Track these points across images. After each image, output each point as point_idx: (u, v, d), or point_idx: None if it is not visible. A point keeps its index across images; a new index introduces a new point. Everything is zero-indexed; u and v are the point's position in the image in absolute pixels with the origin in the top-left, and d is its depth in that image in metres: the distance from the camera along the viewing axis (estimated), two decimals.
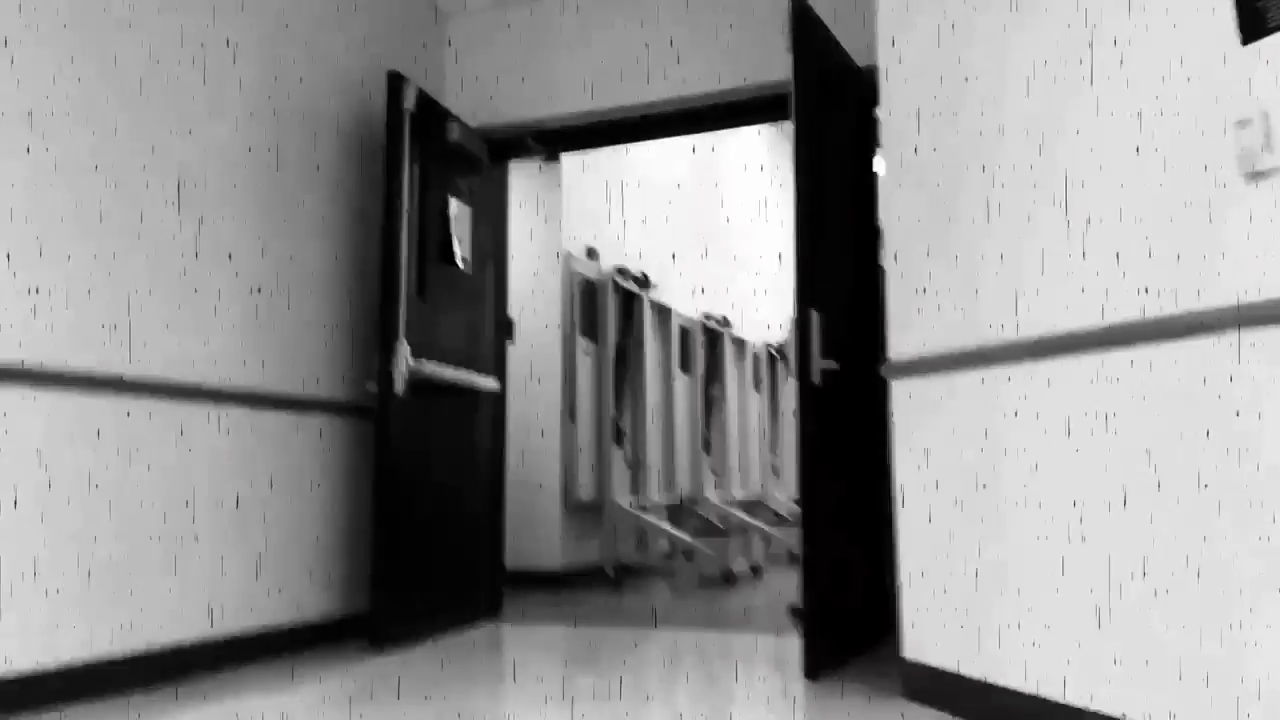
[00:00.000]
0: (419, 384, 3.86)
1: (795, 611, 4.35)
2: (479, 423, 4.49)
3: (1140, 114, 2.20)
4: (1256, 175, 1.94)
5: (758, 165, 9.93)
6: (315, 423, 3.85)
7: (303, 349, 3.82)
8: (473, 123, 4.48)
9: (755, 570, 6.65)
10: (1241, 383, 1.94)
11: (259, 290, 3.62)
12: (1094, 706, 2.22)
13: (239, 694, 2.99)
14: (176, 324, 3.26)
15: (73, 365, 2.88)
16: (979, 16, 2.71)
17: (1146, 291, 2.16)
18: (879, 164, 3.55)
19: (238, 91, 3.57)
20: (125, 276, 3.09)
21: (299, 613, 3.72)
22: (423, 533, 3.96)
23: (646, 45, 4.37)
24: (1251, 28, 1.99)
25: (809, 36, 3.38)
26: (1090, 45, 2.35)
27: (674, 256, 7.79)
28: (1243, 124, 1.97)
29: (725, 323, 8.29)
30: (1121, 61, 2.26)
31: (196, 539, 3.29)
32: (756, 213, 9.75)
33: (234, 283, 3.51)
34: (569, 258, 6.12)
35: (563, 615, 4.79)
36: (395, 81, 3.94)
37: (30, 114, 2.81)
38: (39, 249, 2.82)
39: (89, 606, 2.90)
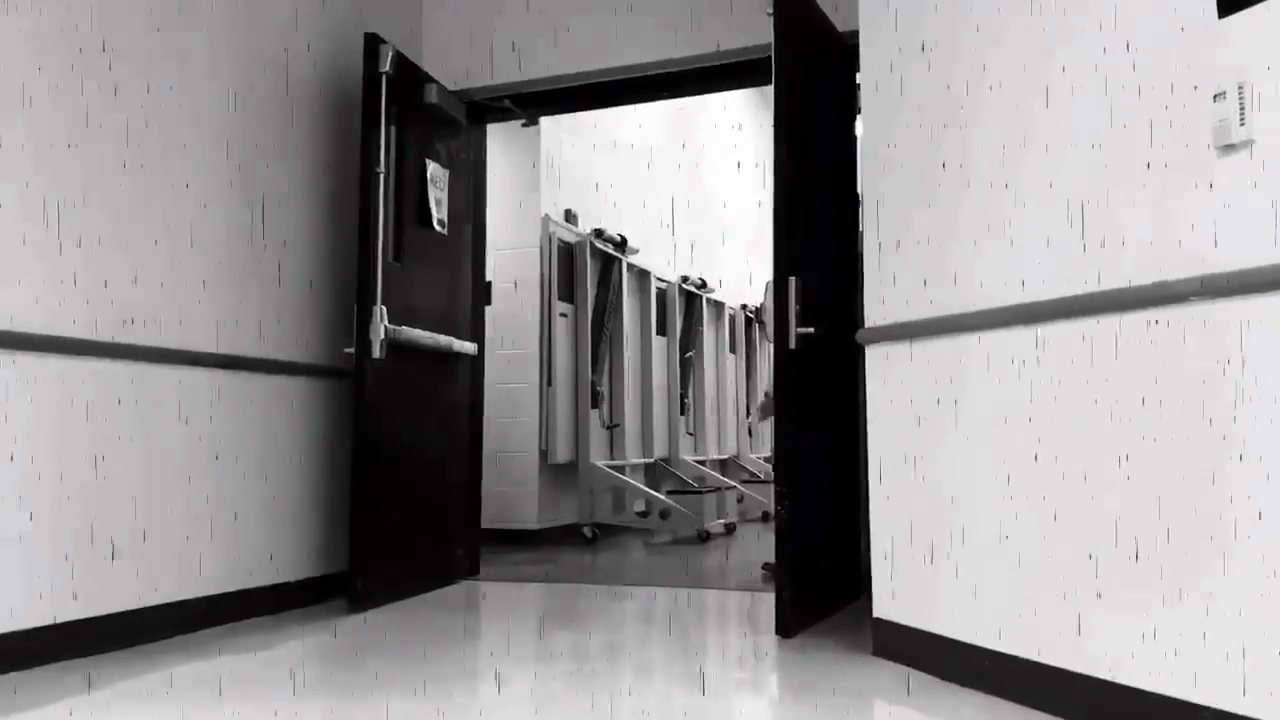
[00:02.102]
0: (396, 347, 3.86)
1: (769, 568, 4.41)
2: (457, 385, 4.50)
3: (1121, 86, 2.23)
4: (1229, 148, 1.97)
5: (738, 126, 9.89)
6: (293, 386, 3.85)
7: (280, 313, 3.80)
8: (451, 85, 4.43)
9: (730, 528, 6.73)
10: (1208, 354, 1.99)
11: (235, 254, 3.60)
12: (1022, 654, 2.29)
13: (220, 652, 3.02)
14: (151, 287, 3.23)
15: (50, 330, 2.86)
16: None
17: (1116, 259, 2.20)
18: (859, 130, 3.56)
19: (214, 51, 3.52)
20: (99, 239, 3.05)
21: (279, 573, 3.74)
22: (401, 493, 3.98)
23: (627, 8, 4.33)
24: (1229, 1, 2.01)
25: (790, 2, 3.36)
26: (1065, 12, 2.36)
27: (653, 218, 7.78)
28: (1218, 97, 2.00)
29: (703, 285, 8.30)
30: (1101, 26, 2.28)
31: (174, 500, 3.29)
32: (736, 173, 9.73)
33: (210, 246, 3.48)
34: (547, 220, 6.10)
35: (540, 573, 4.85)
36: (372, 43, 3.89)
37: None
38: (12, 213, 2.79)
39: (67, 568, 2.90)
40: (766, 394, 5.35)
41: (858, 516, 3.74)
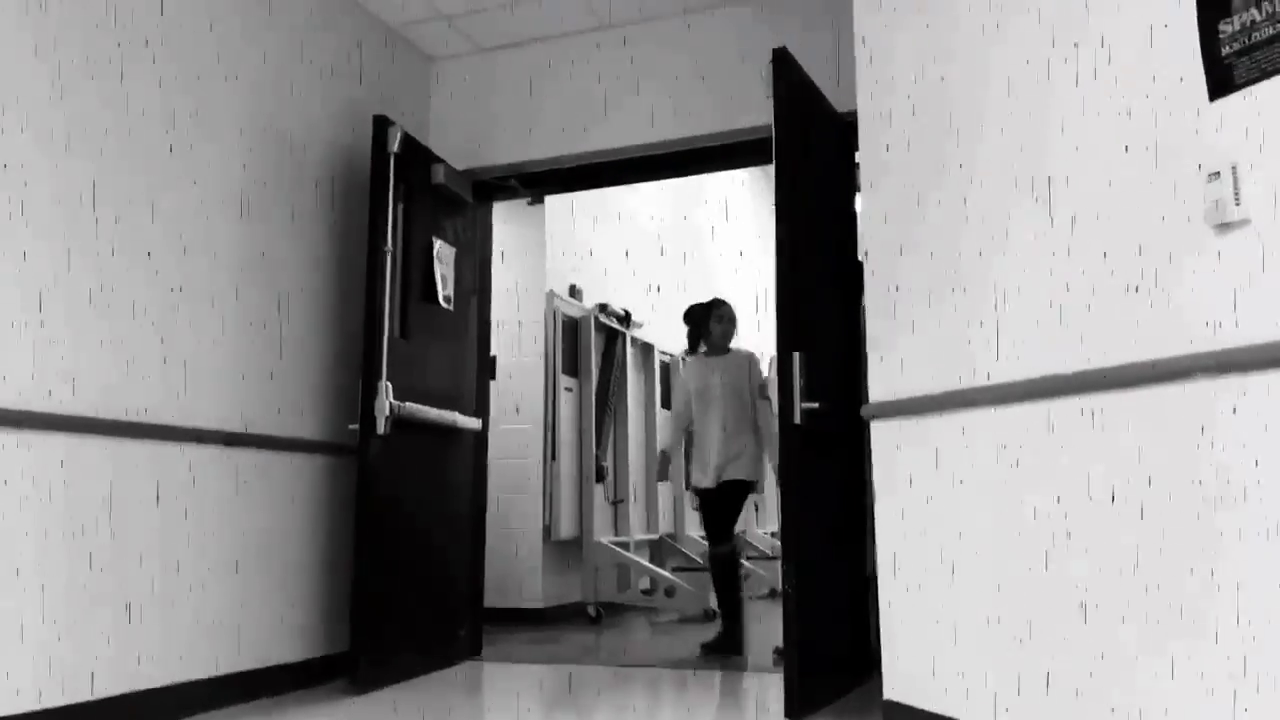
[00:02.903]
0: (401, 422, 3.86)
1: (779, 652, 4.33)
2: (460, 461, 4.49)
3: (1110, 168, 2.26)
4: (1224, 227, 1.99)
5: (741, 202, 10.02)
6: (296, 462, 3.84)
7: (284, 389, 3.81)
8: (458, 164, 4.52)
9: None
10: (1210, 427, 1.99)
11: (241, 330, 3.62)
12: None
13: None
14: (157, 364, 3.25)
15: (52, 406, 2.87)
16: (953, 68, 2.78)
17: (1117, 336, 2.20)
18: (859, 208, 3.61)
19: (225, 130, 3.60)
20: (108, 317, 3.08)
21: (280, 654, 3.68)
22: (404, 573, 3.94)
23: (631, 90, 4.43)
24: (1219, 85, 2.05)
25: (789, 82, 3.44)
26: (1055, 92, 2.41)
27: (657, 293, 7.83)
28: (1212, 177, 2.03)
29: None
30: (1094, 110, 2.32)
31: (175, 580, 3.26)
32: (740, 249, 9.82)
33: (216, 322, 3.51)
34: (552, 295, 6.15)
35: (543, 654, 4.76)
36: (380, 125, 3.98)
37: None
38: (19, 287, 2.82)
39: (68, 650, 2.86)
40: (663, 452, 5.38)
41: (866, 594, 3.69)
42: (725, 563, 4.84)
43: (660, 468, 5.40)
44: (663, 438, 7.42)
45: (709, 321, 5.00)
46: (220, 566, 3.45)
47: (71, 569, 2.90)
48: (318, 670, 3.83)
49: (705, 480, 4.84)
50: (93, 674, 2.94)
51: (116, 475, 3.06)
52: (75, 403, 2.93)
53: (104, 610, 2.99)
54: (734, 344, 5.08)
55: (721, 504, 4.84)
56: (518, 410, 5.95)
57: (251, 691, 3.50)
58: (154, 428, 3.19)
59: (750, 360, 5.01)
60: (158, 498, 3.20)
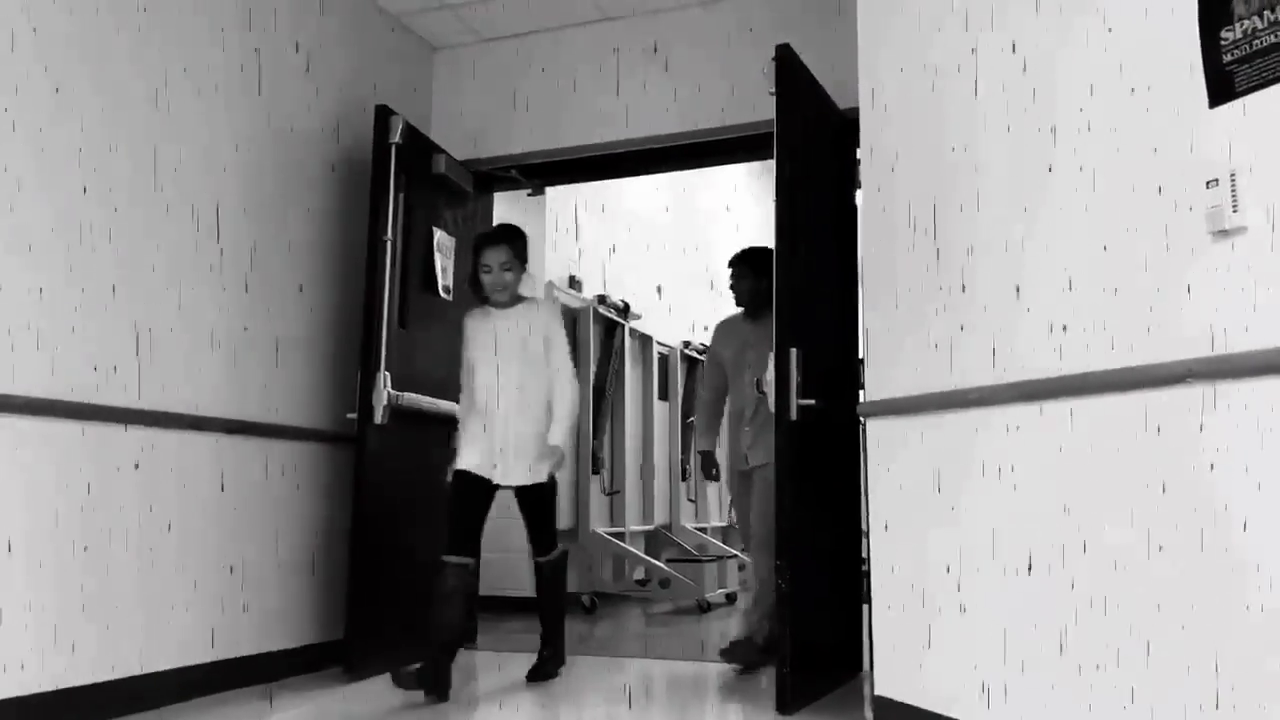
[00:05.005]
0: (399, 412, 3.87)
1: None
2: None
3: (1109, 172, 2.27)
4: (1222, 234, 2.00)
5: (741, 194, 10.01)
6: (294, 451, 3.85)
7: (283, 377, 3.82)
8: (460, 155, 4.52)
9: (731, 598, 6.66)
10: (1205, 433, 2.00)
11: (239, 317, 3.63)
12: None
13: None
14: (157, 351, 3.26)
15: (51, 394, 2.88)
16: (953, 77, 2.78)
17: (1114, 340, 2.22)
18: (859, 203, 3.61)
19: (226, 119, 3.59)
20: (108, 306, 3.09)
21: (276, 640, 3.70)
22: (399, 560, 3.96)
23: (631, 82, 4.43)
24: (1219, 92, 2.06)
25: (792, 79, 3.44)
26: (1054, 105, 2.42)
27: (656, 285, 7.84)
28: (1210, 184, 2.04)
29: (705, 351, 8.33)
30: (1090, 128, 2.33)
31: (172, 566, 3.27)
32: (739, 241, 9.81)
33: (213, 310, 3.51)
34: (551, 286, 6.15)
35: (537, 643, 4.78)
36: (382, 115, 3.98)
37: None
38: (19, 277, 2.83)
39: (65, 635, 2.88)
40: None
41: (859, 589, 3.71)
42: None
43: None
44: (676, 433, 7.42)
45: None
46: (217, 553, 3.46)
47: (70, 556, 2.91)
48: (314, 656, 3.85)
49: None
50: (91, 659, 2.95)
51: (112, 463, 3.07)
52: (66, 389, 2.94)
53: (104, 596, 3.00)
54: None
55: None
56: None
57: (248, 677, 3.52)
58: (153, 415, 3.20)
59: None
60: (150, 485, 3.21)
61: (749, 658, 3.90)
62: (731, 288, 4.37)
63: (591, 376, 6.43)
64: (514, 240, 3.74)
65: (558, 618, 3.87)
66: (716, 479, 4.64)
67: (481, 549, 3.72)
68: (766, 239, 3.61)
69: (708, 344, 4.78)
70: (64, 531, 2.90)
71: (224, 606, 3.47)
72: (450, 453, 3.76)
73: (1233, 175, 1.99)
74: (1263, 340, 1.89)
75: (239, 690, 3.45)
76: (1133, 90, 2.22)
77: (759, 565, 3.99)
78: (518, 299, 3.75)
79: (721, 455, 4.69)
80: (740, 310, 4.37)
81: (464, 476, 3.58)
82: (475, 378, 3.68)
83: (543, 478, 3.64)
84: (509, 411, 3.61)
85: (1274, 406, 1.87)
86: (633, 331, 6.98)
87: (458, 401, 3.80)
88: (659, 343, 7.54)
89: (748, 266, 4.26)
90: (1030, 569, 2.40)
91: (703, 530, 7.82)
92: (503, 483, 3.62)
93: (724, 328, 4.47)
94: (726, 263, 4.42)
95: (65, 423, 2.91)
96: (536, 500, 3.72)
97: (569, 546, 6.10)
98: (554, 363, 3.68)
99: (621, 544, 6.29)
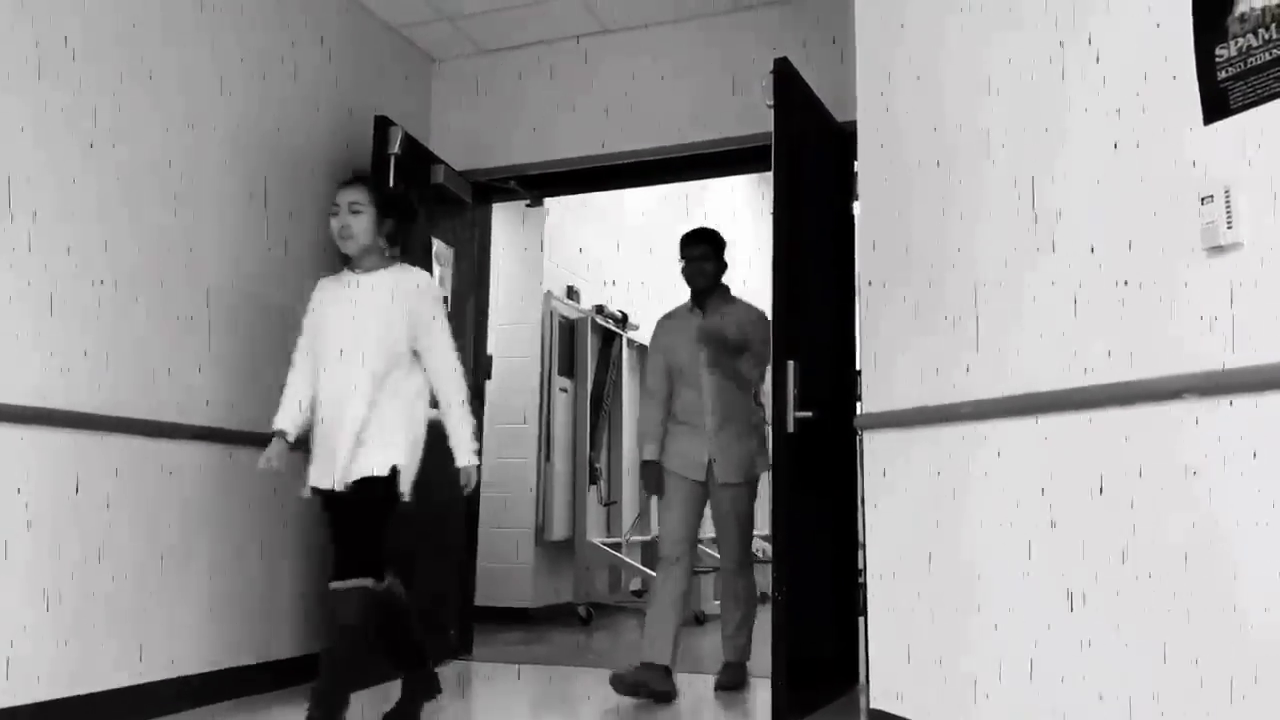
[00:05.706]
0: None
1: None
2: (453, 461, 4.48)
3: (1105, 188, 2.28)
4: (1217, 249, 2.01)
5: (740, 207, 10.03)
6: (289, 459, 3.83)
7: (280, 384, 3.81)
8: (459, 165, 4.53)
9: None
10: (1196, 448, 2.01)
11: (237, 328, 3.63)
12: None
13: None
14: (149, 361, 3.26)
15: (41, 401, 2.87)
16: (951, 90, 2.80)
17: (1110, 355, 2.22)
18: (857, 215, 3.62)
19: (225, 128, 3.60)
20: (99, 314, 3.09)
21: (269, 650, 3.69)
22: (395, 570, 3.94)
23: (630, 94, 4.45)
24: (1214, 108, 2.07)
25: (790, 92, 3.46)
26: (1064, 111, 2.43)
27: (654, 296, 7.84)
28: (1205, 200, 2.04)
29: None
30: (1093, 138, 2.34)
31: (163, 576, 3.26)
32: (738, 255, 9.83)
33: (212, 321, 3.51)
34: (549, 296, 6.16)
35: (533, 654, 4.77)
36: (381, 125, 4.00)
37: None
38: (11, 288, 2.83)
39: (52, 647, 2.87)
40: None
41: (856, 600, 3.71)
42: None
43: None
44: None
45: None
46: (210, 563, 3.45)
47: (59, 564, 2.91)
48: (309, 666, 3.83)
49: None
50: (84, 669, 2.94)
51: (99, 470, 3.06)
52: (51, 398, 2.93)
53: (93, 605, 3.00)
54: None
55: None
56: (512, 410, 5.96)
57: (242, 687, 3.51)
58: (142, 423, 3.19)
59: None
60: (144, 493, 3.20)
61: (739, 679, 3.89)
62: (690, 270, 3.94)
63: (589, 387, 6.43)
64: (370, 182, 3.07)
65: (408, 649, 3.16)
66: (660, 494, 3.96)
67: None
68: (766, 250, 3.62)
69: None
70: (45, 542, 2.89)
71: (216, 616, 3.46)
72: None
73: (1227, 191, 2.00)
74: (1258, 356, 1.90)
75: (233, 701, 3.43)
76: (1126, 107, 2.23)
77: (741, 587, 3.94)
78: (389, 260, 3.02)
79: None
80: (684, 302, 4.02)
81: (321, 497, 2.97)
82: (314, 358, 2.99)
83: (370, 471, 2.86)
84: (346, 400, 2.87)
85: (1270, 422, 1.88)
86: (630, 342, 6.99)
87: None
88: None
89: (711, 247, 3.91)
90: (1038, 581, 2.40)
91: (699, 542, 7.80)
92: (338, 488, 2.88)
93: (669, 324, 4.05)
94: (680, 241, 4.00)
95: (59, 432, 2.91)
96: (357, 504, 2.88)
97: (565, 556, 6.12)
98: (425, 343, 2.95)
99: (618, 554, 6.28)
